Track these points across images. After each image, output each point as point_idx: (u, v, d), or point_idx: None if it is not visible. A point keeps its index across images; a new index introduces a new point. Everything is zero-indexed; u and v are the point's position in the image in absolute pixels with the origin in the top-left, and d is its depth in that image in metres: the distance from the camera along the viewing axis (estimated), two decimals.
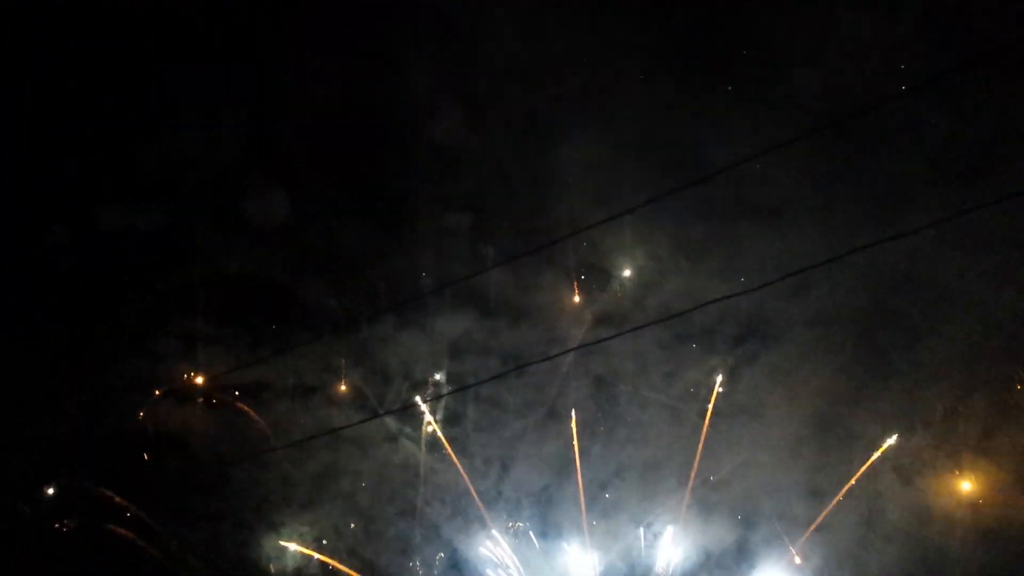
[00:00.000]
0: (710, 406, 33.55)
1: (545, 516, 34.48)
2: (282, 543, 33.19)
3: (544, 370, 34.22)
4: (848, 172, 31.82)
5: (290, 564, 33.21)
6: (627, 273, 34.64)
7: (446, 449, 34.30)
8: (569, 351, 30.46)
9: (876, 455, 31.76)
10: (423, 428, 34.64)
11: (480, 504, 34.00)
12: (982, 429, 30.88)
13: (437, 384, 34.98)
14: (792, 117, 30.50)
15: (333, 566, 33.32)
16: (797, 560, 32.22)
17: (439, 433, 34.12)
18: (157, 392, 32.78)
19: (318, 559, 33.37)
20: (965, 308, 30.97)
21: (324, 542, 33.83)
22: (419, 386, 35.04)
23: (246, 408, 33.65)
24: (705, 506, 33.57)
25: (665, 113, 32.08)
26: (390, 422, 34.53)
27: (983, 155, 29.82)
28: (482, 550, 33.40)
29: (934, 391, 31.71)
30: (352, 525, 34.14)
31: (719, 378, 33.94)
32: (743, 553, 32.67)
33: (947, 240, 29.48)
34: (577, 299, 34.65)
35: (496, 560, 33.19)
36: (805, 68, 30.35)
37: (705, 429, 33.29)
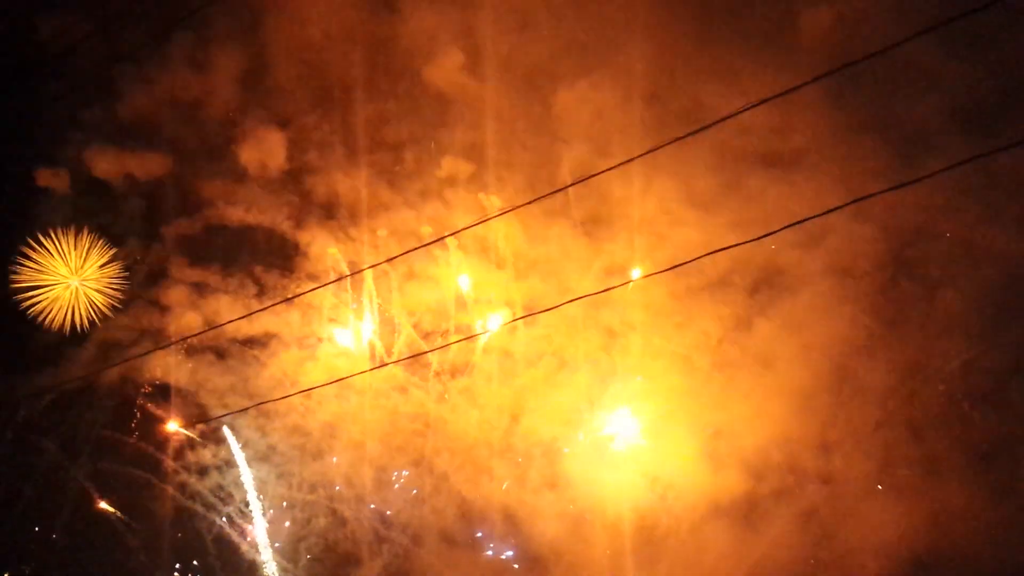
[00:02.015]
0: None
1: (554, 466, 34.40)
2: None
3: (555, 321, 33.93)
4: (865, 119, 31.06)
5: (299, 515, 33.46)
6: (636, 222, 34.01)
7: (455, 400, 34.29)
8: (577, 299, 30.05)
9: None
10: (432, 379, 34.56)
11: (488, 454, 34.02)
12: (996, 382, 30.50)
13: (445, 333, 34.77)
14: (805, 62, 29.79)
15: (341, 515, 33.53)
16: None
17: (447, 384, 34.06)
18: (161, 343, 32.68)
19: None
20: (984, 258, 30.46)
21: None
22: (428, 336, 34.89)
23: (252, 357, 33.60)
24: (715, 458, 33.39)
25: (674, 58, 31.47)
26: (399, 372, 34.41)
27: (1004, 100, 28.98)
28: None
29: (951, 343, 31.35)
30: (360, 475, 34.19)
31: None
32: (752, 505, 32.48)
33: (966, 188, 28.86)
34: (585, 249, 34.15)
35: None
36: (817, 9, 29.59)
37: None
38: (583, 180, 20.39)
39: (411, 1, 33.15)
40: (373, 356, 34.48)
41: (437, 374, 34.46)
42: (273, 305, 32.68)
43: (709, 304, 33.86)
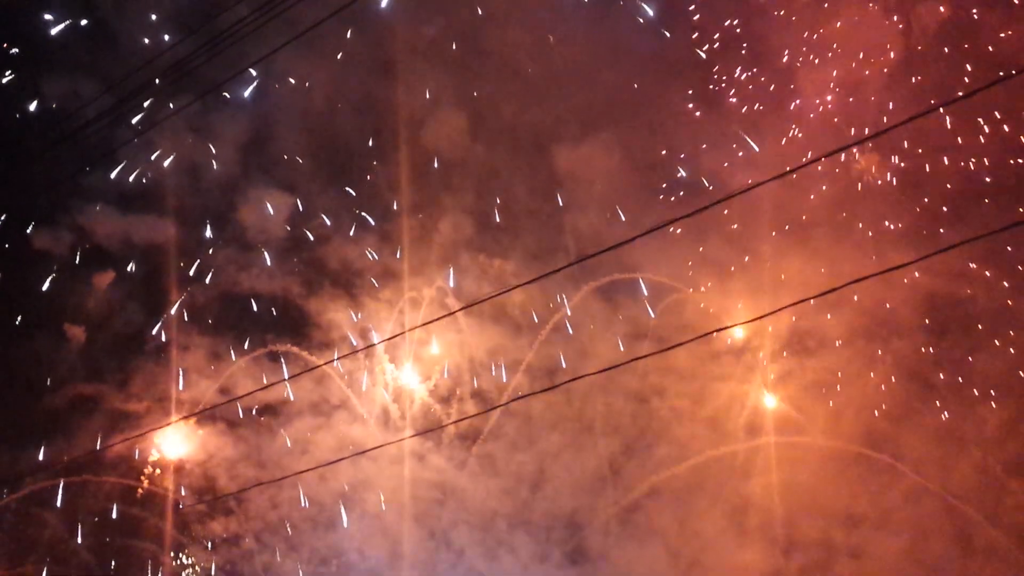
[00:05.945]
0: None
1: (576, 540, 33.44)
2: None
3: (574, 387, 33.23)
4: (894, 184, 30.71)
5: None
6: (658, 289, 33.52)
7: (474, 468, 33.56)
8: (595, 372, 29.68)
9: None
10: (449, 446, 33.90)
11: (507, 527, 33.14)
12: None
13: (462, 400, 34.17)
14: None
15: None
16: None
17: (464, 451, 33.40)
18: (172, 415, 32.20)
19: None
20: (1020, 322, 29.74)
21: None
22: (445, 401, 34.27)
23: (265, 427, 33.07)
24: (741, 530, 32.36)
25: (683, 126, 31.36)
26: (414, 440, 33.74)
27: None
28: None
29: (987, 410, 30.44)
30: (375, 546, 33.34)
31: None
32: None
33: (997, 253, 28.35)
34: (606, 316, 33.64)
35: None
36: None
37: None
38: (600, 253, 19.89)
39: (417, 68, 33.28)
40: (388, 423, 33.86)
41: (455, 439, 33.89)
42: (290, 379, 32.25)
43: (734, 368, 33.25)
